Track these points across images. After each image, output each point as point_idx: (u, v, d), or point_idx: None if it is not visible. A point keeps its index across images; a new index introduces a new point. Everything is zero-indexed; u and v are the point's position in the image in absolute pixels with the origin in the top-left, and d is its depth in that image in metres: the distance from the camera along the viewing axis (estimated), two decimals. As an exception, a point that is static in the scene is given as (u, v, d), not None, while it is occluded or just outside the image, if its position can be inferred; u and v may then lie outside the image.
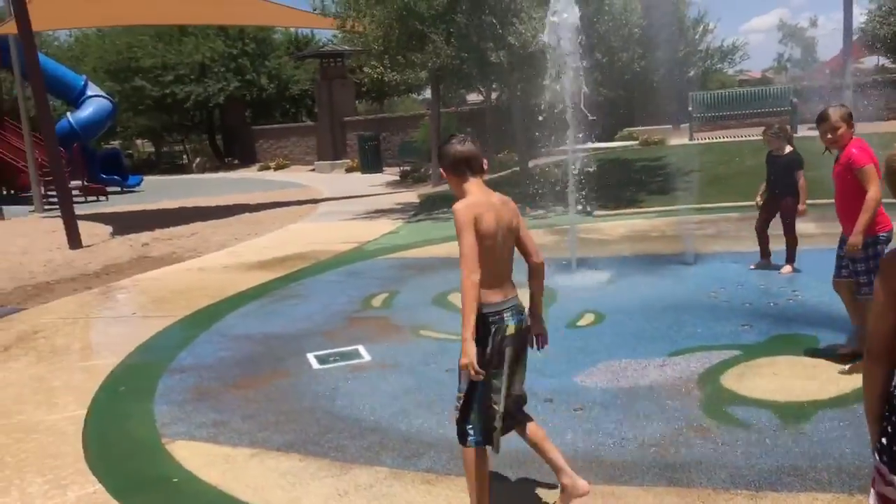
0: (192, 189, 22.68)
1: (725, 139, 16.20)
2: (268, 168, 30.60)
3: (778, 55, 40.92)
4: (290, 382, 4.95)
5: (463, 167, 2.97)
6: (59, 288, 8.86)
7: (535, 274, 3.13)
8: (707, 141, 16.36)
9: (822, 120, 4.59)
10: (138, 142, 44.36)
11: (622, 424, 3.94)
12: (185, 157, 38.82)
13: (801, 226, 7.07)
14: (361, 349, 5.54)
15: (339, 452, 3.83)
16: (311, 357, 5.41)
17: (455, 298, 6.68)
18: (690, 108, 17.01)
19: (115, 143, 40.83)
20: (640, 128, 18.00)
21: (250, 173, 30.38)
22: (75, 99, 22.77)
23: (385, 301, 7.01)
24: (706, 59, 28.07)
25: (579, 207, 11.89)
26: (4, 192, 22.18)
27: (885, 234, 4.47)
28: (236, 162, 34.73)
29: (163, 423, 4.37)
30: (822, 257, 5.51)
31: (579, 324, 5.89)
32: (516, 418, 3.05)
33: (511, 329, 2.90)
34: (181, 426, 4.32)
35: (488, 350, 2.85)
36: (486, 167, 3.04)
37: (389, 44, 12.29)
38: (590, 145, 17.71)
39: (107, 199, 20.88)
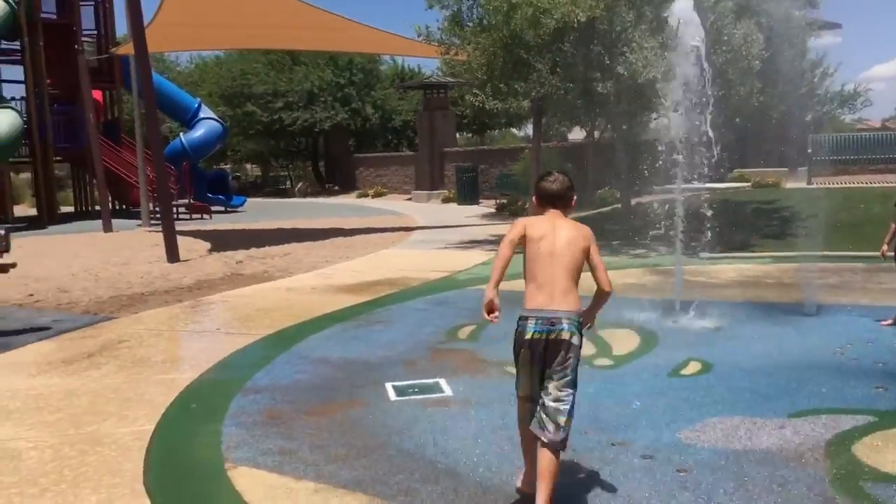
0: (291, 212, 23.16)
1: (847, 185, 15.10)
2: (366, 195, 31.04)
3: None
4: (365, 413, 4.62)
5: (545, 202, 3.37)
6: (153, 299, 8.94)
7: (598, 296, 3.36)
8: (826, 186, 15.28)
9: None
10: (247, 165, 46.20)
11: (733, 496, 3.39)
12: (288, 181, 39.97)
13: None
14: (443, 382, 5.18)
15: (407, 497, 3.45)
16: (389, 387, 5.08)
17: None
18: (810, 151, 15.97)
19: (226, 166, 42.62)
20: (752, 169, 17.03)
21: (349, 200, 30.90)
22: (189, 120, 23.77)
23: (472, 333, 6.63)
24: (825, 104, 26.66)
25: (686, 248, 11.29)
26: (118, 207, 23.26)
27: None
28: (336, 188, 35.47)
29: (228, 447, 4.12)
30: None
31: (683, 372, 5.33)
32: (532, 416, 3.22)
33: (528, 335, 3.18)
34: (247, 451, 4.05)
35: (514, 344, 3.28)
36: (573, 204, 3.39)
37: (493, 72, 12.06)
38: (698, 185, 16.93)
39: (210, 217, 21.56)
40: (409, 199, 28.06)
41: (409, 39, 13.79)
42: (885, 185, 14.86)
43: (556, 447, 3.11)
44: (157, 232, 17.67)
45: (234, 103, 34.12)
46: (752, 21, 11.32)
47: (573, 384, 3.19)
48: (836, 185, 15.31)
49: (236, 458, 3.95)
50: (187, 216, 21.10)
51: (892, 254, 6.38)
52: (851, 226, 11.30)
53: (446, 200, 25.42)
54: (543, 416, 3.14)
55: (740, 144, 18.37)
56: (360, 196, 31.53)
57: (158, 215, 20.58)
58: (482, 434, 4.19)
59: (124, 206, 23.39)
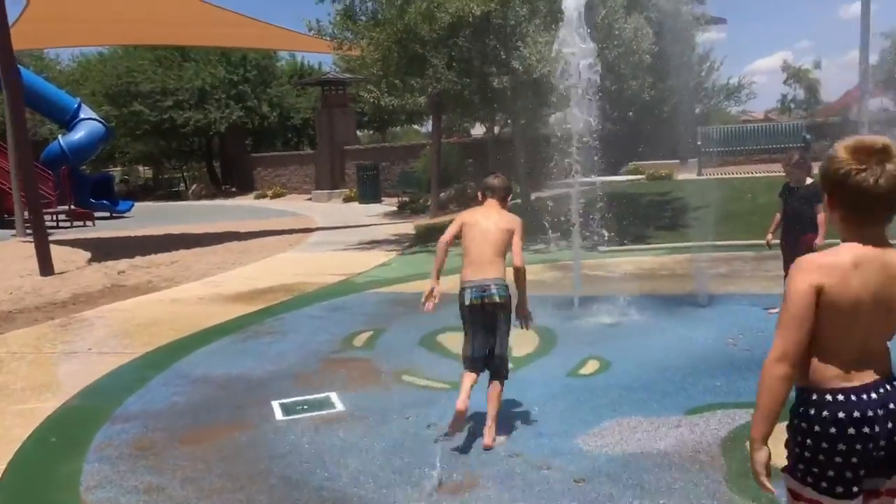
0: (183, 216, 22.15)
1: (736, 175, 15.64)
2: (264, 196, 30.10)
3: (782, 96, 40.49)
4: (247, 436, 4.26)
5: (487, 192, 4.19)
6: (21, 318, 8.20)
7: (514, 276, 4.03)
8: (716, 177, 15.79)
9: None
10: (139, 167, 44.01)
11: (634, 504, 3.25)
12: (182, 183, 38.37)
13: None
14: (334, 397, 4.87)
15: (288, 534, 3.15)
16: (275, 405, 4.74)
17: (443, 339, 6.05)
18: (699, 142, 16.47)
19: (116, 169, 40.50)
20: (647, 162, 17.42)
21: (246, 201, 29.90)
22: (68, 121, 22.28)
23: (368, 340, 6.35)
24: (711, 97, 27.82)
25: (584, 242, 11.35)
26: (-9, 215, 21.57)
27: None
28: (234, 189, 34.27)
29: (88, 486, 3.69)
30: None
31: (581, 372, 5.22)
32: (476, 367, 3.96)
33: (466, 301, 3.93)
34: (109, 490, 3.63)
35: (460, 312, 4.00)
36: (508, 199, 4.24)
37: (388, 68, 11.76)
38: (595, 179, 17.20)
39: (94, 224, 20.30)
40: (310, 199, 27.38)
41: (305, 35, 13.26)
42: (770, 174, 15.48)
43: (502, 379, 4.00)
44: (32, 242, 16.50)
45: (119, 102, 32.37)
46: (641, 16, 11.48)
47: (507, 334, 4.01)
48: (724, 176, 15.83)
49: (96, 500, 3.54)
50: (68, 224, 19.78)
51: (778, 241, 6.50)
52: (740, 215, 11.64)
53: (347, 199, 24.92)
54: (492, 367, 3.98)
55: (634, 137, 18.82)
56: (258, 197, 30.55)
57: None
58: (374, 454, 3.92)
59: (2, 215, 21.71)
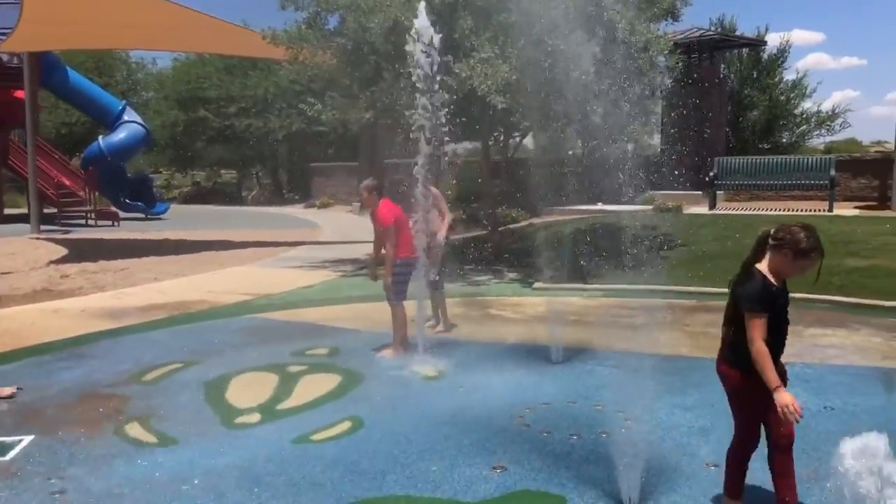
0: (214, 221, 22.33)
1: (751, 212, 14.20)
2: (314, 206, 30.17)
3: None
4: None
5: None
6: None
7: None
8: (727, 211, 14.40)
9: None
10: (221, 171, 45.34)
11: None
12: (246, 189, 39.22)
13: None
14: (25, 442, 4.37)
15: None
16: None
17: (238, 383, 5.51)
18: (712, 174, 15.09)
19: (200, 172, 41.86)
20: (665, 192, 16.09)
21: (297, 210, 30.05)
22: (112, 122, 23.01)
23: (161, 376, 5.81)
24: (800, 124, 26.08)
25: (522, 277, 10.43)
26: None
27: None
28: (297, 197, 34.63)
29: None
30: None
31: (317, 437, 4.47)
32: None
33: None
34: None
35: None
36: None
37: (345, 78, 11.23)
38: (593, 206, 16.10)
39: (118, 224, 20.77)
40: (351, 210, 27.19)
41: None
42: (786, 212, 13.98)
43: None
44: (41, 238, 17.01)
45: (187, 107, 33.43)
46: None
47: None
48: (738, 212, 14.43)
49: None
50: (92, 223, 20.33)
51: None
52: (711, 257, 10.43)
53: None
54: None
55: (656, 165, 17.53)
56: (308, 206, 30.70)
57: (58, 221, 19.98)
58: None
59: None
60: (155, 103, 37.70)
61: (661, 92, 10.79)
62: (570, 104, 9.69)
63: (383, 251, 6.39)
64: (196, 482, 3.82)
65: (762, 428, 3.18)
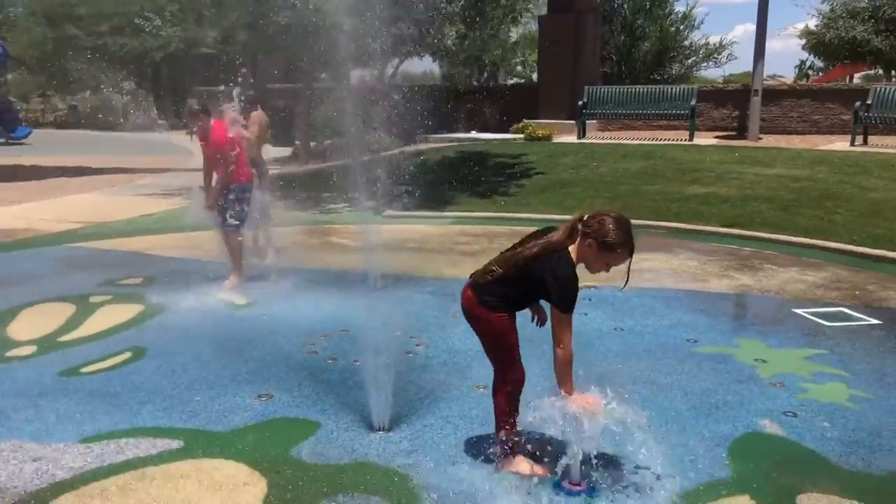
0: (82, 147, 20.99)
1: (620, 140, 14.42)
2: (193, 133, 28.80)
3: (800, 62, 38.98)
4: None
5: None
6: None
7: None
8: (596, 141, 14.58)
9: None
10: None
11: None
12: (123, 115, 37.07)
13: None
14: None
15: None
16: None
17: (13, 328, 5.12)
18: (581, 102, 15.20)
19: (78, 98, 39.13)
20: (539, 121, 16.12)
21: (174, 136, 28.58)
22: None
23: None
24: (689, 56, 26.43)
25: (369, 205, 10.25)
26: None
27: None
28: (182, 124, 32.96)
29: None
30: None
31: (87, 370, 4.22)
32: None
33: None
34: None
35: None
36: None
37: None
38: (466, 135, 15.99)
39: (-32, 150, 19.21)
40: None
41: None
42: (651, 141, 14.28)
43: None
44: None
45: (55, 24, 30.94)
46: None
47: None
48: (604, 140, 14.63)
49: None
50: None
51: None
52: (563, 185, 10.55)
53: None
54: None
55: (534, 94, 17.55)
56: (188, 133, 29.28)
57: None
58: None
59: None
60: (23, 19, 34.76)
61: (520, 17, 10.62)
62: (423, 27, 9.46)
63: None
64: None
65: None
